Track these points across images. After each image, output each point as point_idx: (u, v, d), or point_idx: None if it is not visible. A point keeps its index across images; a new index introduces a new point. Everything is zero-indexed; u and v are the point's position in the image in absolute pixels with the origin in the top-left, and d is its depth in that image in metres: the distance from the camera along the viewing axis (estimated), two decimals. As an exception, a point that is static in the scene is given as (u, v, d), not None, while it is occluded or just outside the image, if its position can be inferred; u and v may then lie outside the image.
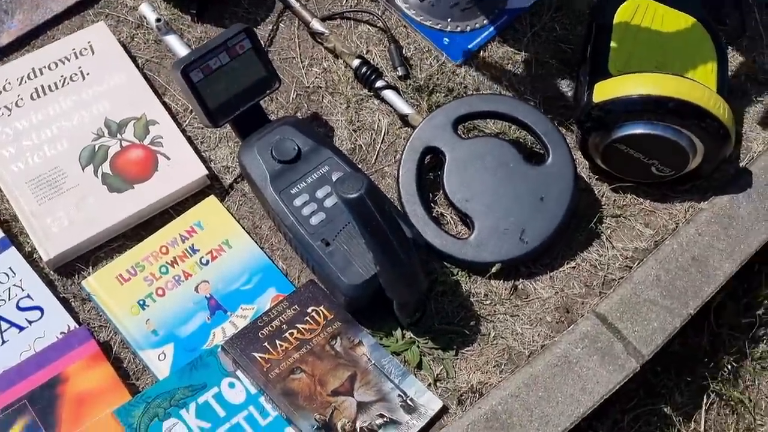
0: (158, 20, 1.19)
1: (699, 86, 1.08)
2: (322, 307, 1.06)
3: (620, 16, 1.20)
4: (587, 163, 1.19)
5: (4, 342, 1.01)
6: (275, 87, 1.12)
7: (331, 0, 1.29)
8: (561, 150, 1.13)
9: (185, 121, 1.18)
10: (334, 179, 1.07)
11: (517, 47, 1.28)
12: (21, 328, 1.01)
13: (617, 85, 1.10)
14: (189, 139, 1.16)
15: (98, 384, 0.99)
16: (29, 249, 1.07)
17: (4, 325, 1.01)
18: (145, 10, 1.20)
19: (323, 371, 1.01)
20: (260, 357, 1.01)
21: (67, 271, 1.07)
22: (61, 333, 1.02)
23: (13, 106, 1.13)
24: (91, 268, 1.08)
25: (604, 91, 1.11)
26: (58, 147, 1.11)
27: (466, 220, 1.12)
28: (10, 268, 1.04)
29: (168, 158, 1.12)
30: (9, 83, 1.14)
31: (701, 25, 1.20)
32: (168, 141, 1.14)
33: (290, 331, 1.03)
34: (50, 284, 1.06)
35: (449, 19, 1.29)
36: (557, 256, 1.14)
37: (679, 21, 1.20)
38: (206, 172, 1.12)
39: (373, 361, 1.03)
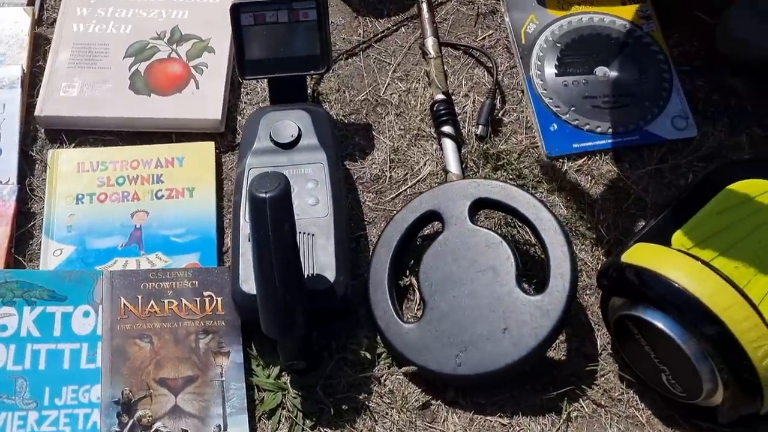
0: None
1: (749, 314, 0.82)
2: (219, 300, 0.95)
3: (736, 189, 0.92)
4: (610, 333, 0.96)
5: (-49, 158, 1.02)
6: (321, 71, 1.03)
7: (471, 32, 1.16)
8: (559, 293, 0.91)
9: (242, 66, 1.12)
10: (308, 185, 0.96)
11: (626, 174, 1.06)
12: (-27, 157, 1.03)
13: (662, 257, 0.87)
14: (233, 84, 1.10)
15: (-11, 240, 0.97)
16: (34, 101, 1.08)
17: (-38, 145, 1.03)
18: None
19: (168, 356, 0.91)
20: (125, 304, 0.93)
21: (52, 136, 1.07)
22: (-1, 181, 1.01)
23: (113, -24, 1.14)
24: (72, 145, 1.06)
25: (643, 255, 0.88)
26: (120, 30, 1.11)
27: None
28: (4, 105, 1.06)
29: (198, 87, 1.08)
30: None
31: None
32: (209, 72, 1.09)
33: (171, 300, 0.94)
34: (29, 139, 1.06)
35: (573, 108, 1.10)
36: (495, 404, 0.93)
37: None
38: (219, 116, 1.06)
39: (223, 379, 0.91)
